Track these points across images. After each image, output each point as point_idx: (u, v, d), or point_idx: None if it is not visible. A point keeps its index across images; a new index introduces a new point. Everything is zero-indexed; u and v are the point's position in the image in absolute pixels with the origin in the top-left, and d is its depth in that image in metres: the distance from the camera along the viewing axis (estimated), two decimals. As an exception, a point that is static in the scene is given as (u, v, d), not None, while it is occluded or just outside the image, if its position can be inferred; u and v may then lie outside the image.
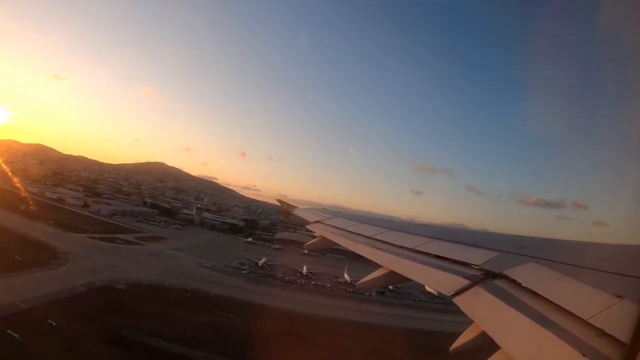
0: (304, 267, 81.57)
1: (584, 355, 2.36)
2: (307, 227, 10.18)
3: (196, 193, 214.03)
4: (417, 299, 77.89)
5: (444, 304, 69.34)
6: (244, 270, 77.02)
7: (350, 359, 45.24)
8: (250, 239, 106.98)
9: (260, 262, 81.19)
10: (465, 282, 4.02)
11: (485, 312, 3.49)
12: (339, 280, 79.48)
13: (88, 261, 62.33)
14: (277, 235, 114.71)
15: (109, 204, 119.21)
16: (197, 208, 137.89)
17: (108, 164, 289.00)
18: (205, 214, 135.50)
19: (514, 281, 3.67)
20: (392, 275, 5.39)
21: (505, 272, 3.88)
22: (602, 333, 2.45)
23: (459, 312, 3.52)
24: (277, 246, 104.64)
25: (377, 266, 5.84)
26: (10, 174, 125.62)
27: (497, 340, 3.01)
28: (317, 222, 9.90)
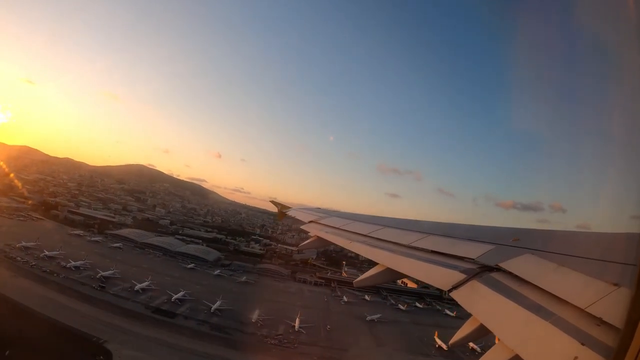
0: (55, 251, 77.59)
1: (583, 344, 2.35)
2: (302, 227, 10.11)
3: (152, 195, 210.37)
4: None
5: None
6: None
7: None
8: (79, 232, 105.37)
9: (19, 244, 78.23)
10: (462, 276, 4.00)
11: (482, 306, 3.47)
12: (64, 265, 72.75)
13: None
14: (119, 232, 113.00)
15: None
16: (62, 205, 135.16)
17: (93, 166, 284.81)
18: (85, 211, 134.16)
19: (510, 273, 3.66)
20: (388, 273, 5.36)
21: (501, 265, 3.87)
22: (600, 321, 2.44)
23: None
24: (96, 239, 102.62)
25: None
26: None
27: (495, 333, 3.00)
28: (311, 221, 9.84)
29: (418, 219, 8.03)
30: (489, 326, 3.13)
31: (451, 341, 3.65)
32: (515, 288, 3.36)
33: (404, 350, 63.28)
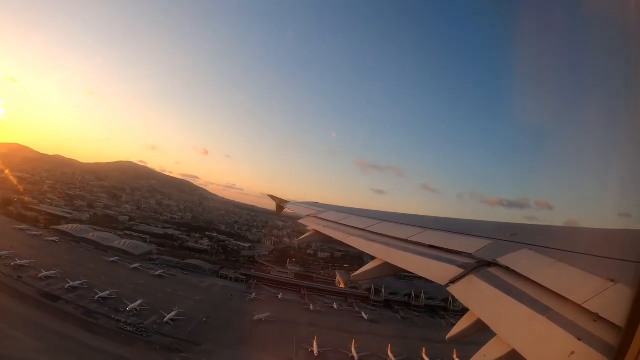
0: None
1: (579, 339, 2.37)
2: (300, 221, 10.12)
3: (130, 193, 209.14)
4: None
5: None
6: None
7: None
8: (23, 227, 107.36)
9: None
10: (459, 270, 4.02)
11: (480, 300, 3.50)
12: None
13: None
14: (61, 227, 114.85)
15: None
16: (18, 201, 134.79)
17: (84, 163, 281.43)
18: (43, 207, 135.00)
19: (507, 268, 3.68)
20: (386, 267, 5.38)
21: (499, 260, 3.89)
22: (597, 317, 2.46)
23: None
24: (36, 233, 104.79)
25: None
26: None
27: (492, 328, 3.02)
28: (309, 215, 9.85)
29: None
30: (486, 321, 3.15)
31: (448, 336, 3.67)
32: (513, 283, 3.38)
33: (267, 350, 59.85)
